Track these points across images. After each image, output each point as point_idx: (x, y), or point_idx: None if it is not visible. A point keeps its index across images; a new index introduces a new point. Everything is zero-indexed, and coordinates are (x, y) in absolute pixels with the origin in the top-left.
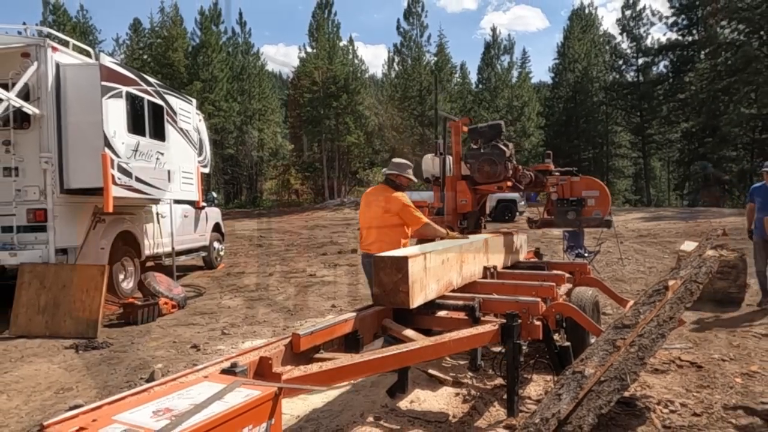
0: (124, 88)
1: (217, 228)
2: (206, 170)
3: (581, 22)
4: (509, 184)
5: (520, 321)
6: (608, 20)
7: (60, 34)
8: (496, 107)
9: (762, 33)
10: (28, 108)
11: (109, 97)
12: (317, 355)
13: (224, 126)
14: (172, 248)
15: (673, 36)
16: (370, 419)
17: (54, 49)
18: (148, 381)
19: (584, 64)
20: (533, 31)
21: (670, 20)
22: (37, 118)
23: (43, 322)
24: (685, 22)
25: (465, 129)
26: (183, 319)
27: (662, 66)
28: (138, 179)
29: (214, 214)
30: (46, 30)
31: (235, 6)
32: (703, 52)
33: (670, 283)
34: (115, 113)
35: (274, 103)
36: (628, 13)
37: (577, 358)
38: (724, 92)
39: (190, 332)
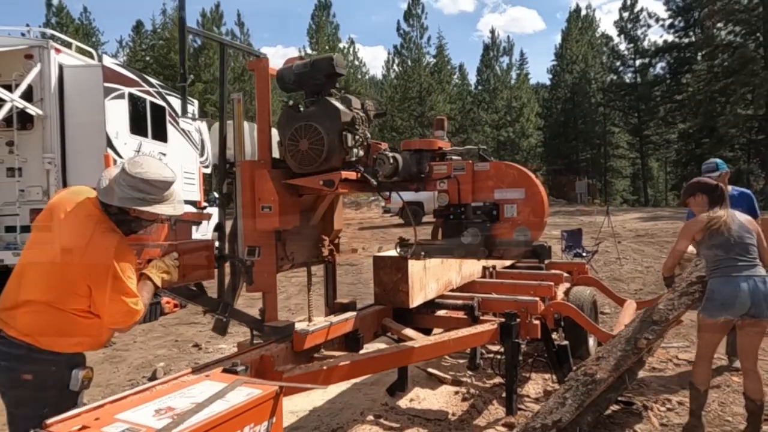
0: (126, 89)
1: (218, 228)
2: (208, 171)
3: (579, 24)
4: (351, 175)
5: (518, 320)
6: (606, 22)
7: (63, 36)
8: (495, 108)
9: (758, 35)
10: (31, 109)
11: (112, 98)
12: (318, 354)
13: None
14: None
15: (671, 38)
16: (371, 417)
17: (57, 50)
18: (150, 380)
19: (582, 66)
20: (529, 32)
21: (668, 22)
22: (40, 118)
23: None
24: (682, 24)
25: (274, 72)
26: (185, 318)
27: (660, 67)
28: None
29: (215, 214)
30: (49, 32)
31: (234, 8)
32: (700, 54)
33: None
34: (117, 114)
35: (275, 104)
36: (625, 14)
37: (592, 356)
38: (721, 93)
39: (192, 331)
